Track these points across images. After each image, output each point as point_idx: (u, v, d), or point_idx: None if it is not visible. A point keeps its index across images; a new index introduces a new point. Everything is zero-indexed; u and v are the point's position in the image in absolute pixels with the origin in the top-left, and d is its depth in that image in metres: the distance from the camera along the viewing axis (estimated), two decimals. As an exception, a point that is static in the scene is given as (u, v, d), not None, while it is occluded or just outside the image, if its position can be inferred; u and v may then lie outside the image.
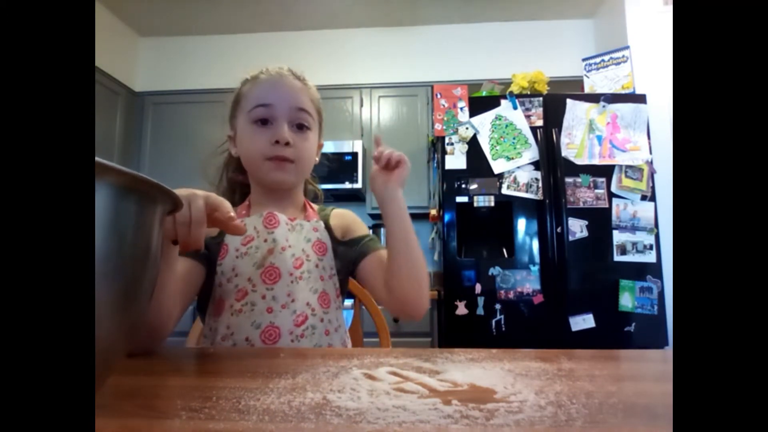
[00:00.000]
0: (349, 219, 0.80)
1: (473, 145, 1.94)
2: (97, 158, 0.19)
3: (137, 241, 0.24)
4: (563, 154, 1.91)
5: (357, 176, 2.43)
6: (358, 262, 0.73)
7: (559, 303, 1.81)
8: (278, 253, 0.66)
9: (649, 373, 0.42)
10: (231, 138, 0.76)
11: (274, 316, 0.63)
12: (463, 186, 1.92)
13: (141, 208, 0.24)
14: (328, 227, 0.76)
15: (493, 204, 1.89)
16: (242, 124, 0.71)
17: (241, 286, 0.64)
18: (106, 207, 0.21)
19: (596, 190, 1.89)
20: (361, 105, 2.63)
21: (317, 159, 0.78)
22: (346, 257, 0.74)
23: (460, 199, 1.91)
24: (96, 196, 0.20)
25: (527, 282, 1.84)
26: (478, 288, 1.84)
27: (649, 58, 2.21)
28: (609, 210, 1.87)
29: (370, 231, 0.84)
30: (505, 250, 1.92)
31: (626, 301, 1.82)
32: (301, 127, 0.70)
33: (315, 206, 0.80)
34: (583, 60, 2.20)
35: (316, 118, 0.74)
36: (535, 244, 1.87)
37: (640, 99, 1.96)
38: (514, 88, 2.06)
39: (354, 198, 2.60)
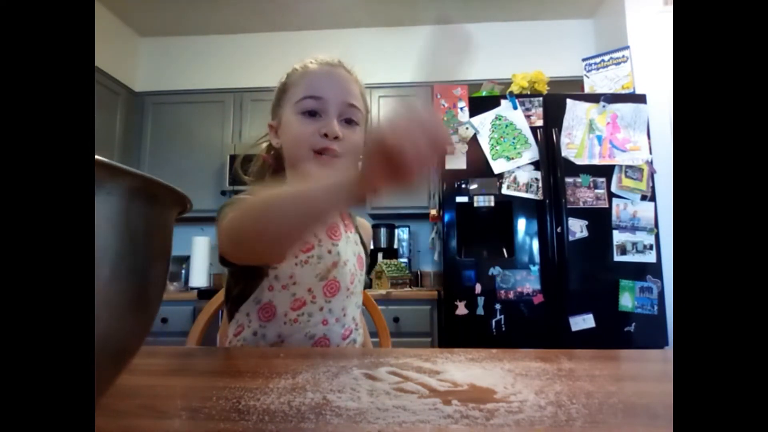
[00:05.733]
0: (369, 234, 0.83)
1: (473, 145, 1.94)
2: (109, 160, 0.20)
3: (149, 242, 0.24)
4: (563, 154, 1.91)
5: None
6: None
7: (559, 303, 1.81)
8: (341, 267, 0.66)
9: (649, 373, 0.42)
10: (273, 128, 0.72)
11: (328, 329, 0.64)
12: (463, 186, 1.92)
13: (152, 209, 0.24)
14: (360, 240, 0.77)
15: (493, 204, 1.89)
16: (289, 114, 0.67)
17: (299, 296, 0.63)
18: (118, 209, 0.21)
19: (596, 190, 1.89)
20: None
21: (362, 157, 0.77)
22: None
23: (460, 199, 1.91)
24: (109, 198, 0.21)
25: (527, 282, 1.84)
26: (478, 288, 1.84)
27: (649, 58, 2.20)
28: (609, 210, 1.87)
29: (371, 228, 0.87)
30: (505, 250, 1.92)
31: (626, 301, 1.82)
32: (349, 122, 0.68)
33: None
34: (583, 60, 2.20)
35: (364, 114, 0.71)
36: (535, 244, 1.87)
37: (640, 99, 1.96)
38: (514, 88, 2.06)
39: (354, 198, 2.60)
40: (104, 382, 0.24)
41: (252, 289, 0.64)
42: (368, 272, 0.79)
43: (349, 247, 0.71)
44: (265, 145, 0.77)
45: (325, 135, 0.64)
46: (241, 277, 0.67)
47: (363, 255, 0.74)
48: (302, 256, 0.65)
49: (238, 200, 0.56)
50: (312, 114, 0.66)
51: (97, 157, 0.19)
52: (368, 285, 0.81)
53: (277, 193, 0.47)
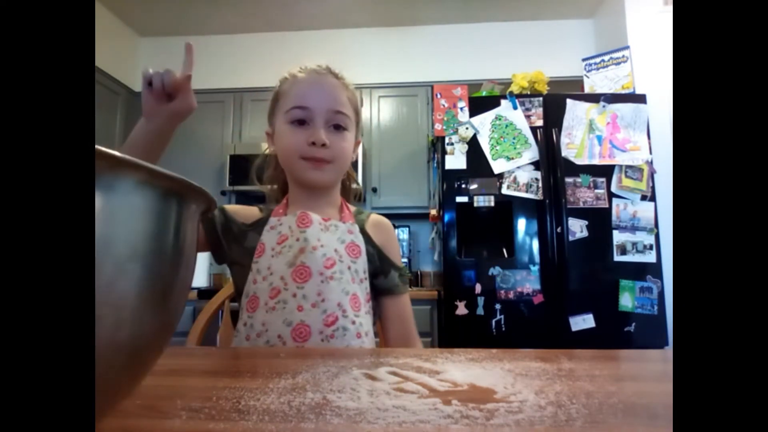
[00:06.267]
0: (387, 234, 0.80)
1: (473, 145, 1.94)
2: (137, 160, 0.20)
3: (179, 243, 0.24)
4: (563, 154, 1.91)
5: (357, 176, 2.43)
6: (385, 293, 0.75)
7: (559, 303, 1.81)
8: (309, 253, 0.66)
9: (649, 373, 0.42)
10: (269, 135, 0.77)
11: (305, 315, 0.64)
12: (463, 186, 1.92)
13: (183, 210, 0.25)
14: (363, 232, 0.76)
15: (493, 204, 1.89)
16: (280, 124, 0.72)
17: (274, 285, 0.65)
18: (146, 208, 0.22)
19: (596, 190, 1.89)
20: (361, 105, 2.62)
21: (354, 156, 0.78)
22: (377, 271, 0.75)
23: (460, 199, 1.91)
24: (136, 198, 0.21)
25: (527, 282, 1.84)
26: (478, 288, 1.84)
27: (649, 58, 2.21)
28: (609, 210, 1.87)
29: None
30: (505, 250, 1.92)
31: (626, 301, 1.82)
32: (338, 128, 0.71)
33: (352, 208, 0.80)
34: (583, 60, 2.20)
35: (353, 118, 0.74)
36: (535, 244, 1.87)
37: (640, 99, 1.96)
38: (514, 88, 2.06)
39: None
40: (129, 384, 0.24)
41: (242, 285, 0.68)
42: (376, 274, 0.77)
43: (330, 235, 0.70)
44: (270, 152, 0.80)
45: (313, 143, 0.68)
46: (234, 274, 0.73)
47: (360, 245, 0.73)
48: (277, 247, 0.68)
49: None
50: (301, 123, 0.69)
51: (137, 160, 0.20)
52: (382, 290, 0.79)
53: None
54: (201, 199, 0.27)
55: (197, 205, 0.27)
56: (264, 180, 0.82)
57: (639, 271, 1.84)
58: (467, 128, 1.95)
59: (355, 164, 2.45)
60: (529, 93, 2.02)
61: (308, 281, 0.65)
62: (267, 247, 0.68)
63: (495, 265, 1.85)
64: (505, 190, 1.90)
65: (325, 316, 0.64)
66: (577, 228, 1.87)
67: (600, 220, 1.87)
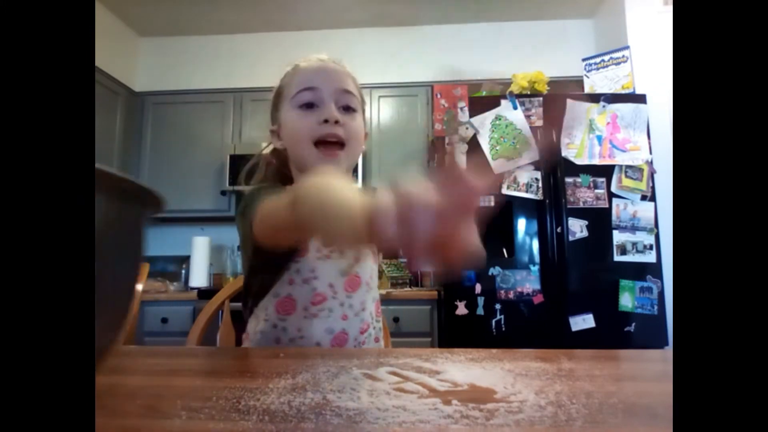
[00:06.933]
0: None
1: (473, 145, 1.94)
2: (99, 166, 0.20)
3: (108, 242, 0.24)
4: (563, 154, 1.91)
5: (357, 177, 2.43)
6: None
7: (559, 303, 1.81)
8: (362, 263, 0.66)
9: (649, 373, 0.42)
10: (274, 132, 0.72)
11: (347, 324, 0.63)
12: (463, 186, 1.92)
13: (123, 208, 0.24)
14: None
15: (493, 204, 1.89)
16: (287, 112, 0.67)
17: (319, 291, 0.62)
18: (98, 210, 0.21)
19: (596, 190, 1.89)
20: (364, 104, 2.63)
21: (364, 147, 0.74)
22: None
23: (460, 199, 1.91)
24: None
25: (527, 282, 1.84)
26: (478, 288, 1.84)
27: (649, 58, 2.20)
28: (609, 210, 1.87)
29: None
30: (505, 250, 1.92)
31: (626, 301, 1.82)
32: (347, 109, 0.67)
33: None
34: (583, 60, 2.20)
35: (360, 103, 0.71)
36: (535, 244, 1.87)
37: (640, 99, 1.96)
38: (514, 88, 2.06)
39: (354, 198, 2.60)
40: None
41: (272, 284, 0.64)
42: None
43: None
44: (267, 152, 0.77)
45: (325, 121, 0.63)
46: (262, 272, 0.66)
47: (374, 249, 0.74)
48: (325, 250, 0.64)
49: (282, 193, 0.52)
50: (309, 106, 0.65)
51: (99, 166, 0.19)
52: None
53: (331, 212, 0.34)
54: (148, 199, 0.26)
55: (143, 204, 0.27)
56: (253, 182, 0.78)
57: (639, 271, 1.84)
58: (467, 128, 1.95)
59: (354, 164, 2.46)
60: (529, 93, 2.02)
61: (356, 291, 0.64)
62: (311, 247, 0.64)
63: (495, 265, 1.85)
64: (505, 190, 1.90)
65: (362, 324, 0.65)
66: (577, 228, 1.87)
67: (600, 220, 1.87)
